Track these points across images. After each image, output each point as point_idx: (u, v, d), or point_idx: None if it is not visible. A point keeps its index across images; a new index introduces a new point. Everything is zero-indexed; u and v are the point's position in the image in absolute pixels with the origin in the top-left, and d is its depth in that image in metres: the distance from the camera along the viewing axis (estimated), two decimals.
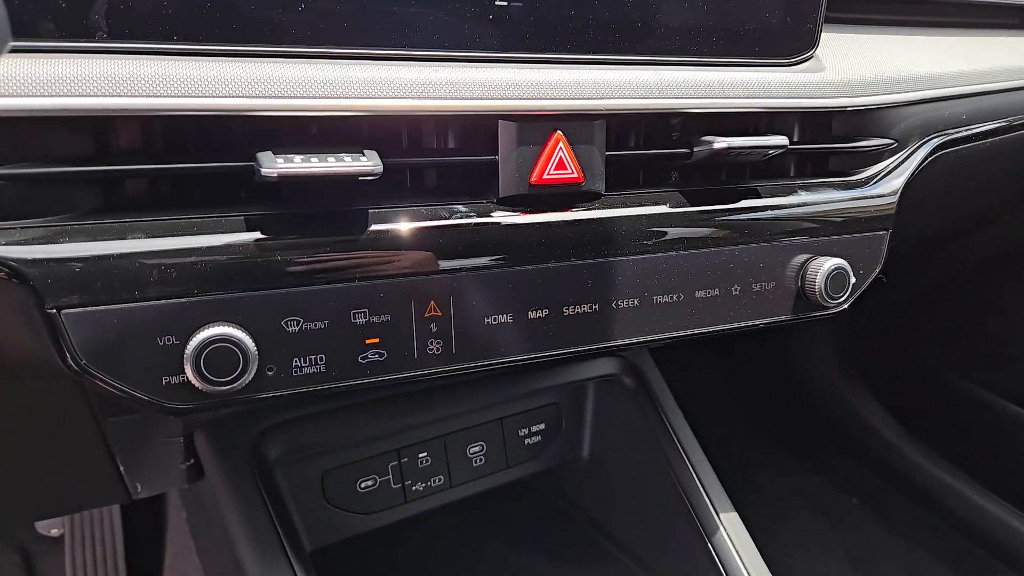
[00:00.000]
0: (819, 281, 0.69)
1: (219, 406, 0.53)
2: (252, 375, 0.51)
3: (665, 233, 0.64)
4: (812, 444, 2.27)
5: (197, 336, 0.49)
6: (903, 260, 1.71)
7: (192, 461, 0.81)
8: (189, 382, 0.50)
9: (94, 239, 0.48)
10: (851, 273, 0.70)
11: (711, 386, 2.53)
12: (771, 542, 2.03)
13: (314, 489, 0.86)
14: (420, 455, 0.92)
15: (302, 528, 0.85)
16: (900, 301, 1.99)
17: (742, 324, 0.70)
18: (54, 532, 1.68)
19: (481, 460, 0.98)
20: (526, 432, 1.01)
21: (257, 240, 0.51)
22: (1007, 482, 1.84)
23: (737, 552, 0.84)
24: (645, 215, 0.63)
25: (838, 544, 2.02)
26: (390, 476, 0.90)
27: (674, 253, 0.64)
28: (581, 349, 0.64)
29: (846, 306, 0.73)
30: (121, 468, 0.79)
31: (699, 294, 0.67)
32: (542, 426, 1.02)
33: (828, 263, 0.69)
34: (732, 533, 0.86)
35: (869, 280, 0.75)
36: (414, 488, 0.92)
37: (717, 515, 0.87)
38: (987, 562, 1.86)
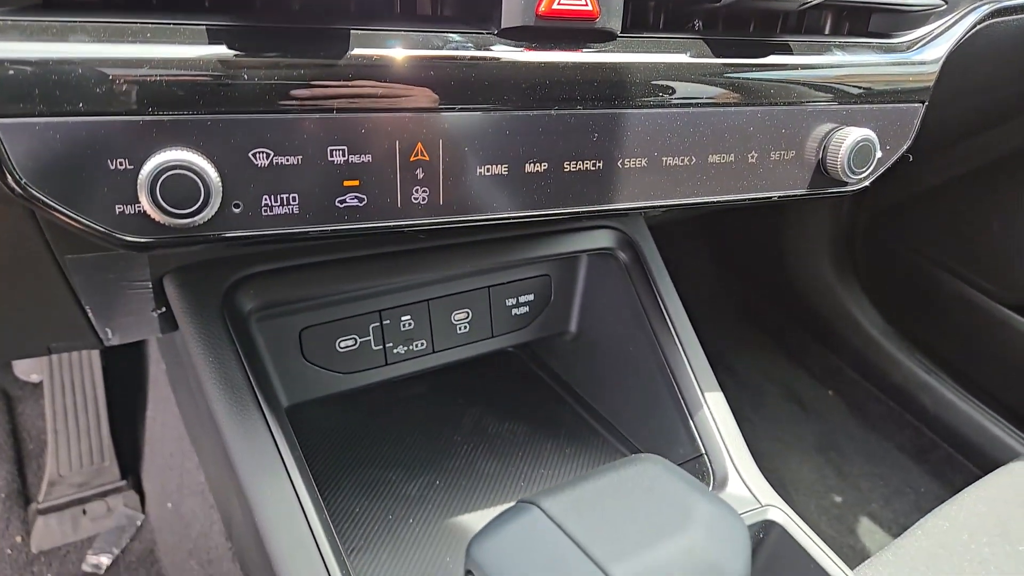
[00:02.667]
0: (843, 153, 0.63)
1: (182, 243, 0.48)
2: (215, 210, 0.45)
3: (682, 86, 0.57)
4: (796, 336, 2.28)
5: (152, 160, 0.43)
6: (918, 152, 1.64)
7: (164, 310, 0.78)
8: (145, 213, 0.44)
9: (30, 39, 0.41)
10: (877, 147, 0.65)
11: (703, 275, 2.52)
12: (744, 425, 2.08)
13: (292, 346, 0.83)
14: (403, 318, 0.89)
15: (278, 384, 0.83)
16: (902, 198, 1.94)
17: (755, 195, 0.65)
18: (34, 377, 1.68)
19: (465, 328, 0.95)
20: (514, 302, 0.98)
21: (221, 55, 0.44)
22: (979, 380, 1.87)
23: (719, 432, 0.83)
24: (663, 63, 0.56)
25: (809, 432, 2.07)
26: (371, 337, 0.87)
27: (691, 110, 0.58)
28: (581, 210, 0.59)
29: (867, 183, 0.68)
30: (88, 311, 0.75)
31: (713, 159, 0.61)
32: (531, 297, 0.99)
33: (855, 133, 0.63)
34: (716, 413, 0.85)
35: (894, 157, 0.69)
36: (395, 351, 0.90)
37: (702, 394, 0.85)
38: (950, 457, 1.92)
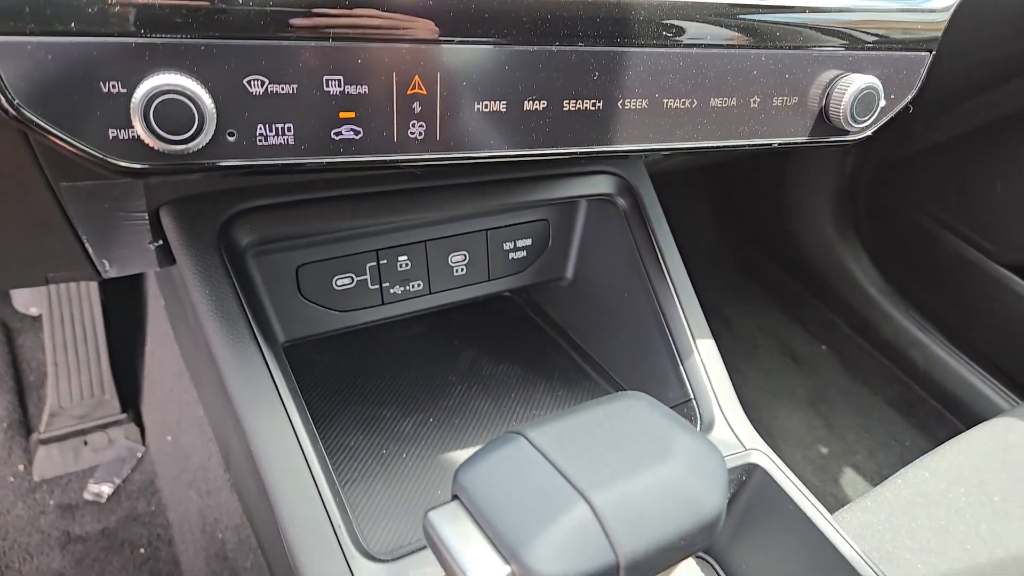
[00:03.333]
0: (846, 100, 0.62)
1: (177, 171, 0.48)
2: (210, 137, 0.45)
3: (688, 25, 0.56)
4: (793, 290, 2.29)
5: (145, 84, 0.43)
6: (921, 110, 1.62)
7: (160, 242, 0.78)
8: (139, 138, 0.44)
9: None
10: (882, 95, 0.64)
11: (705, 227, 2.51)
12: (736, 376, 2.11)
13: (289, 282, 0.84)
14: (400, 258, 0.89)
15: (275, 320, 0.83)
16: (906, 155, 1.92)
17: (756, 142, 0.64)
18: (33, 311, 1.69)
19: (462, 270, 0.95)
20: (511, 246, 0.98)
21: None
22: (970, 338, 1.89)
23: (708, 378, 0.84)
24: (669, 2, 0.55)
25: (800, 385, 2.10)
26: (367, 276, 0.88)
27: (694, 51, 0.57)
28: (580, 151, 0.58)
29: (869, 133, 0.67)
30: (85, 242, 0.75)
31: (714, 102, 0.61)
32: (528, 242, 0.99)
33: (859, 80, 0.62)
34: (707, 360, 0.86)
35: (898, 107, 0.68)
36: (392, 291, 0.90)
37: (694, 341, 0.86)
38: (937, 412, 1.95)
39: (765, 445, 0.82)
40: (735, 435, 0.81)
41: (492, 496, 0.40)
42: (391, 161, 0.52)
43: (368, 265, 0.87)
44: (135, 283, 1.60)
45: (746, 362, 2.13)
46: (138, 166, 0.46)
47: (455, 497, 0.42)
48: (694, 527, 0.40)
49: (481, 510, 0.40)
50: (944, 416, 1.93)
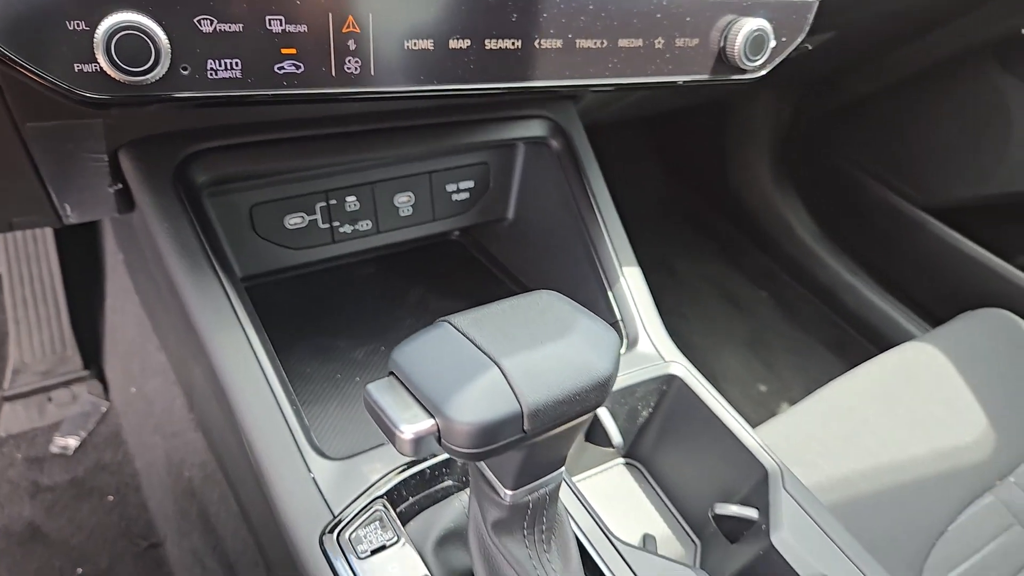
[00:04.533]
0: (739, 41, 0.70)
1: (137, 102, 0.54)
2: (165, 69, 0.51)
3: None
4: (736, 241, 2.41)
5: (106, 21, 0.48)
6: (845, 61, 1.72)
7: (120, 185, 0.83)
8: (102, 70, 0.50)
9: None
10: (772, 36, 0.72)
11: (654, 181, 2.60)
12: (680, 321, 2.22)
13: (243, 221, 0.90)
14: (348, 198, 0.95)
15: (232, 255, 0.89)
16: (836, 108, 2.03)
17: (662, 79, 0.72)
18: None
19: (409, 210, 1.02)
20: (454, 188, 1.05)
21: None
22: (893, 277, 2.02)
23: (633, 300, 0.93)
24: None
25: (740, 328, 2.23)
26: (318, 216, 0.94)
27: None
28: (503, 86, 0.65)
29: (764, 72, 0.75)
30: (47, 184, 0.79)
31: (623, 43, 0.68)
32: (471, 184, 1.06)
33: (751, 23, 0.70)
34: (632, 285, 0.94)
35: (791, 48, 0.76)
36: (341, 230, 0.97)
37: (620, 268, 0.95)
38: (868, 351, 2.09)
39: (684, 359, 0.91)
40: (656, 350, 0.90)
41: (419, 368, 0.48)
42: (330, 94, 0.59)
43: (318, 205, 0.94)
44: (92, 242, 1.63)
45: (689, 307, 2.25)
46: (102, 96, 0.51)
47: (391, 374, 0.49)
48: (587, 386, 0.48)
49: (410, 379, 0.47)
50: (872, 353, 2.07)
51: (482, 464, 0.54)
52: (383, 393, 0.48)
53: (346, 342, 0.96)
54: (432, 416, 0.46)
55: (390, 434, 0.47)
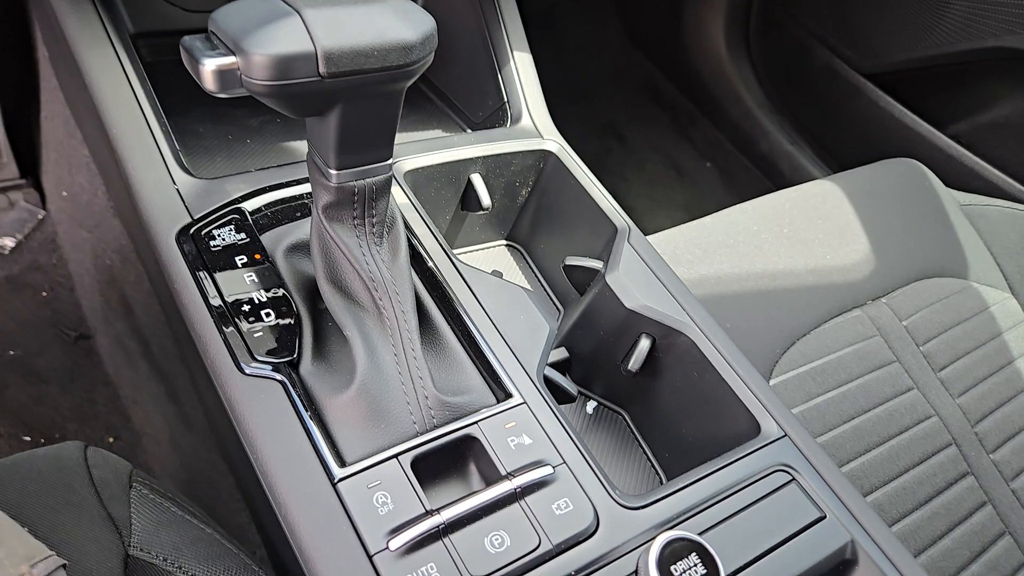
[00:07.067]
0: None
1: None
2: None
3: None
4: (687, 110, 2.42)
5: None
6: None
7: None
8: None
9: None
10: None
11: (612, 49, 2.57)
12: (622, 184, 2.26)
13: None
14: None
15: (123, 10, 0.91)
16: None
17: None
18: None
19: None
20: None
21: None
22: (831, 147, 2.06)
23: (520, 83, 0.96)
24: None
25: (680, 195, 2.27)
26: None
27: None
28: None
29: None
30: None
31: None
32: None
33: None
34: (521, 69, 0.97)
35: None
36: None
37: (512, 54, 0.97)
38: None
39: (563, 140, 0.95)
40: (536, 127, 0.94)
41: (230, 19, 0.51)
42: None
43: None
44: (28, 55, 1.61)
45: (633, 173, 2.28)
46: None
47: (212, 33, 0.53)
48: (387, 45, 0.52)
49: (220, 27, 0.51)
50: None
51: (310, 130, 0.59)
52: (195, 41, 0.52)
53: (243, 112, 0.99)
54: (233, 53, 0.50)
55: (196, 70, 0.51)
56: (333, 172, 0.60)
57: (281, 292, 0.68)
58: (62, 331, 1.48)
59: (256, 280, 0.68)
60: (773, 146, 2.16)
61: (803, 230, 1.26)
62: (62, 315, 1.50)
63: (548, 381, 0.70)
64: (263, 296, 0.66)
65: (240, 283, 0.67)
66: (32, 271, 1.55)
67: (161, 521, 0.75)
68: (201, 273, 0.67)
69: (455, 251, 0.95)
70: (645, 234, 0.87)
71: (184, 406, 1.14)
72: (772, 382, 1.06)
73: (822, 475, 0.65)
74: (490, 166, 0.91)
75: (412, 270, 0.70)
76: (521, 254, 1.02)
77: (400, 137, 0.97)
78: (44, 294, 1.52)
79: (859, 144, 1.95)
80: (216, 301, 0.66)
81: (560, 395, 0.72)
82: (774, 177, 2.18)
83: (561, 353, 0.84)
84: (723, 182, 2.30)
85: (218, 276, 0.67)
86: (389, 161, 0.62)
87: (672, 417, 0.79)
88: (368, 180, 0.62)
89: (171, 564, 0.71)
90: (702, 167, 2.35)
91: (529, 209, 0.98)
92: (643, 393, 0.82)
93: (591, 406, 0.86)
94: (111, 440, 1.36)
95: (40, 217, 1.64)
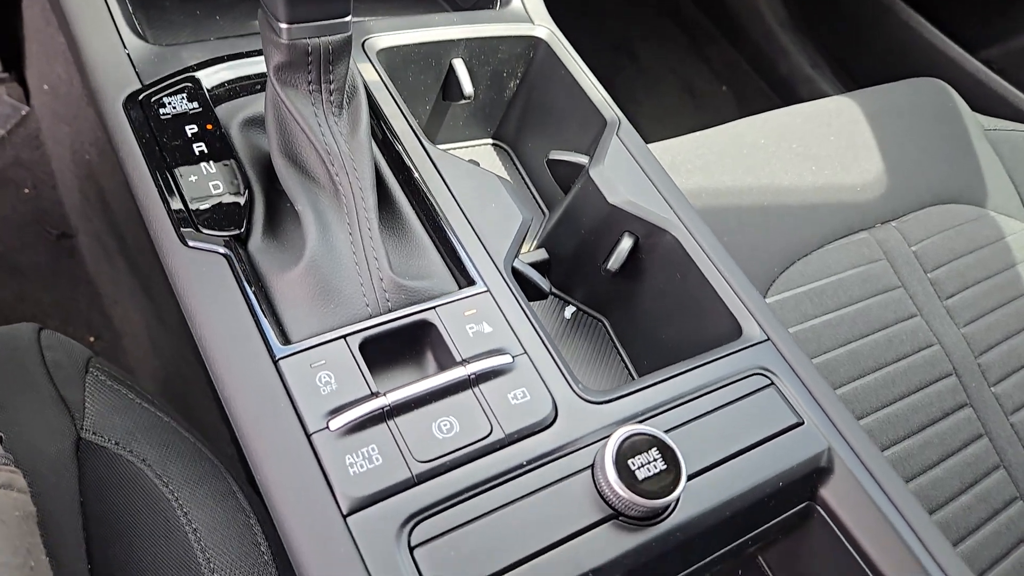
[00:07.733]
0: None
1: None
2: None
3: None
4: (705, 29, 2.29)
5: None
6: None
7: None
8: None
9: None
10: None
11: None
12: (631, 105, 2.16)
13: None
14: None
15: None
16: None
17: None
18: None
19: None
20: None
21: None
22: (854, 71, 1.95)
23: None
24: None
25: (691, 118, 2.18)
26: None
27: None
28: None
29: None
30: None
31: None
32: None
33: None
34: None
35: None
36: None
37: None
38: None
39: (556, 27, 0.88)
40: (526, 11, 0.87)
41: None
42: None
43: None
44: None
45: (645, 94, 2.18)
46: None
47: None
48: None
49: None
50: None
51: None
52: None
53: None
54: None
55: None
56: (283, 26, 0.54)
57: (233, 164, 0.63)
58: (45, 229, 1.44)
59: (206, 151, 0.63)
60: (793, 68, 2.05)
61: (814, 146, 1.19)
62: (45, 212, 1.46)
63: (518, 274, 0.65)
64: (211, 168, 0.62)
65: (188, 153, 0.62)
66: (15, 167, 1.51)
67: (116, 406, 0.73)
68: (147, 140, 0.62)
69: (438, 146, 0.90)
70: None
71: (158, 301, 1.11)
72: (766, 301, 1.01)
73: (804, 382, 0.61)
74: (474, 51, 0.84)
75: (375, 147, 0.65)
76: (508, 154, 0.96)
77: (374, 12, 0.90)
78: (27, 191, 1.48)
79: (884, 67, 1.84)
80: (162, 171, 0.61)
81: (531, 291, 0.68)
82: (792, 103, 2.07)
83: (540, 254, 0.79)
84: (738, 107, 2.19)
85: (165, 144, 0.62)
86: (348, 18, 0.56)
87: (653, 322, 0.75)
88: (324, 39, 0.56)
89: (123, 448, 0.69)
90: (717, 91, 2.24)
91: (517, 104, 0.92)
92: (624, 298, 0.78)
93: (569, 311, 0.81)
94: (92, 339, 1.34)
95: (24, 113, 1.59)
